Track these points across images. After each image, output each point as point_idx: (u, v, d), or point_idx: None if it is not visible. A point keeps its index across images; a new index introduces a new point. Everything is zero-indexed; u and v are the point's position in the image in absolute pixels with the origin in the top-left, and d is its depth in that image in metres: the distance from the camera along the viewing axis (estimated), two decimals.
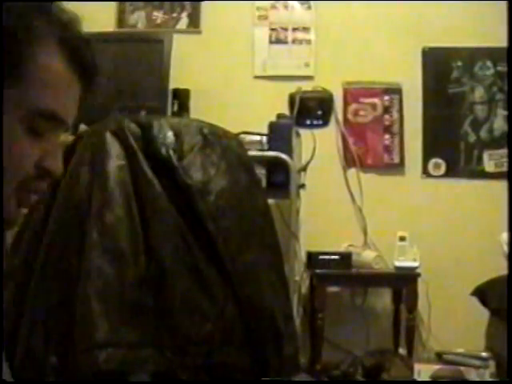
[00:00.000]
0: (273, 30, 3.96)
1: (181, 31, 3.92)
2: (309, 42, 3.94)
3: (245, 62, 3.91)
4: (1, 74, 0.80)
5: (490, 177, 3.80)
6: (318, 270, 3.38)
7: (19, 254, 1.93)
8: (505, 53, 3.76)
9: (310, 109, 3.83)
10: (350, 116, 3.90)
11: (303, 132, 3.62)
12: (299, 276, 3.43)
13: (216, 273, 1.90)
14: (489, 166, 3.83)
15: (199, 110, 3.57)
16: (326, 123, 3.87)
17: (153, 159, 1.94)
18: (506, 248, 3.03)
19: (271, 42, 3.96)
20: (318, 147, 3.51)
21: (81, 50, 0.84)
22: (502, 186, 3.58)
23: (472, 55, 3.86)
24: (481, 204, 3.76)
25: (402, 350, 3.48)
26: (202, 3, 3.96)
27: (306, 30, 3.94)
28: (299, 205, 3.47)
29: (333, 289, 3.65)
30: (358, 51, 3.87)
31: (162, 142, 1.96)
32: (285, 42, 3.95)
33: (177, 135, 2.00)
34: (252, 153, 2.78)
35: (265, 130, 3.31)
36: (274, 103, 3.72)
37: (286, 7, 3.96)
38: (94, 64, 0.87)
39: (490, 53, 3.84)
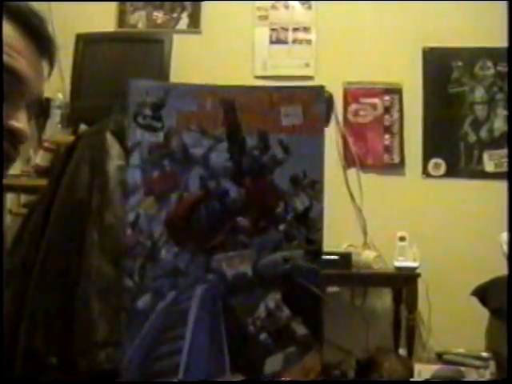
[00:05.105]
0: (273, 30, 3.96)
1: (181, 31, 3.92)
2: (309, 42, 3.94)
3: (245, 62, 3.91)
4: (0, 74, 0.80)
5: (490, 177, 3.81)
6: None
7: (19, 254, 1.93)
8: (505, 53, 3.76)
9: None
10: (350, 116, 3.90)
11: None
12: None
13: None
14: (489, 166, 3.83)
15: None
16: (326, 123, 3.87)
17: None
18: (505, 248, 3.03)
19: (271, 42, 3.96)
20: None
21: (30, 20, 0.86)
22: (501, 186, 3.57)
23: (472, 55, 3.86)
24: (481, 204, 3.76)
25: (402, 350, 3.48)
26: (202, 3, 3.96)
27: (306, 30, 3.94)
28: None
29: (333, 289, 3.65)
30: (358, 51, 3.87)
31: None
32: (285, 42, 3.95)
33: None
34: None
35: None
36: None
37: (286, 7, 3.97)
38: (49, 35, 0.89)
39: (490, 53, 3.84)
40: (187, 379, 0.93)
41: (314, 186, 0.99)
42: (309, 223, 0.99)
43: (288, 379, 0.94)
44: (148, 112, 0.95)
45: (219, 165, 0.96)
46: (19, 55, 0.83)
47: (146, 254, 0.92)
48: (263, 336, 0.97)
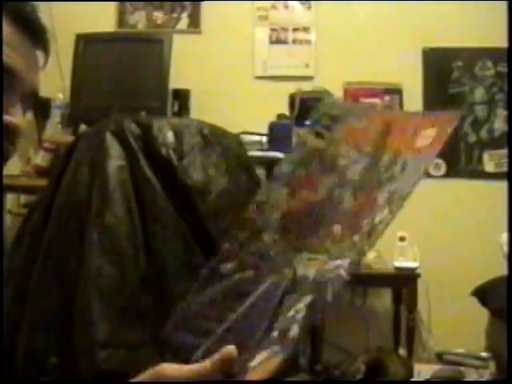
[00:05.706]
0: (273, 30, 3.96)
1: (181, 31, 3.92)
2: (309, 42, 3.94)
3: (245, 63, 3.91)
4: (0, 75, 0.80)
5: (490, 177, 3.81)
6: None
7: (19, 254, 1.93)
8: (505, 53, 3.76)
9: (310, 109, 3.84)
10: None
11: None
12: None
13: None
14: (489, 166, 3.83)
15: (199, 110, 3.58)
16: None
17: (153, 159, 1.94)
18: (505, 248, 3.03)
19: (271, 43, 3.96)
20: None
21: (19, 11, 0.84)
22: (502, 186, 3.58)
23: (472, 55, 3.86)
24: (481, 204, 3.76)
25: (402, 350, 3.48)
26: (202, 3, 3.96)
27: (306, 30, 3.94)
28: None
29: None
30: (358, 51, 3.88)
31: (161, 142, 1.96)
32: (285, 43, 3.95)
33: (177, 135, 2.00)
34: (252, 153, 2.78)
35: (265, 130, 3.31)
36: (274, 103, 3.72)
37: (286, 7, 3.97)
38: (40, 23, 0.86)
39: (490, 53, 3.84)
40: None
41: (398, 203, 1.00)
42: (372, 236, 1.00)
43: (292, 379, 0.94)
44: (325, 121, 0.96)
45: (352, 177, 0.97)
46: (9, 49, 0.81)
47: (254, 229, 0.93)
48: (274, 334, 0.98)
